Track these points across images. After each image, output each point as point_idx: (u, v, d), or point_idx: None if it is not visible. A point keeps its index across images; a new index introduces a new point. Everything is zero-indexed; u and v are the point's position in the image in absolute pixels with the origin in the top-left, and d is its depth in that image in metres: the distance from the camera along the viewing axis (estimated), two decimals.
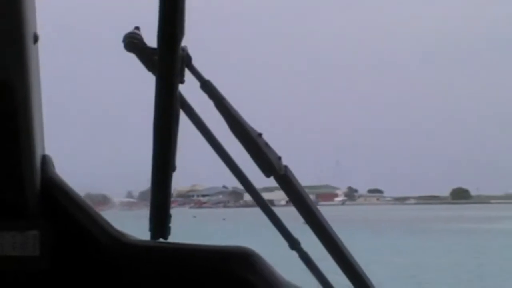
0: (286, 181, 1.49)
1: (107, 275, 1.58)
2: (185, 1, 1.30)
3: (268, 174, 1.47)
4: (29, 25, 1.42)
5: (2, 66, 1.42)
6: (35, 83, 1.50)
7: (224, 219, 57.90)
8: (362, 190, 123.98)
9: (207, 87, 1.47)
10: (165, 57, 1.35)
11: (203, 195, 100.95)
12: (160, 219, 1.54)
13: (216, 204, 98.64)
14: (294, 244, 1.61)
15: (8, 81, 1.42)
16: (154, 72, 1.42)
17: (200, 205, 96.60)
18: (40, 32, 1.48)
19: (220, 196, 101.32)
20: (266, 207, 1.59)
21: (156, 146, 1.44)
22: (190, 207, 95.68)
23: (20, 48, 1.40)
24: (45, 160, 1.64)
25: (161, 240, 1.61)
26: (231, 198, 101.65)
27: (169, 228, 1.55)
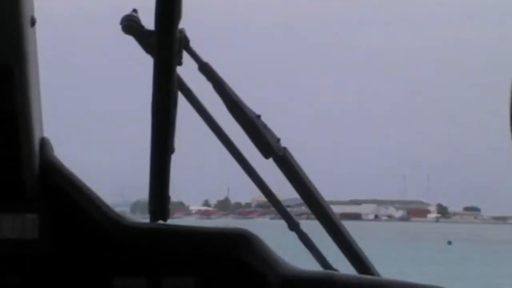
0: (285, 162, 1.56)
1: (107, 257, 1.64)
2: None
3: (267, 155, 1.54)
4: (26, 9, 1.47)
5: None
6: (33, 67, 1.56)
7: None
8: (453, 207, 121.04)
9: (205, 69, 1.53)
10: (163, 40, 1.41)
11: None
12: (159, 201, 1.59)
13: (299, 215, 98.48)
14: (293, 225, 1.70)
15: (6, 65, 1.48)
16: (152, 55, 1.48)
17: None
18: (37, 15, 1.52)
19: (303, 208, 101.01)
20: (267, 191, 1.66)
21: (154, 129, 1.50)
22: (271, 218, 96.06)
23: (18, 31, 1.45)
24: (44, 142, 1.69)
25: (161, 223, 1.68)
26: None
27: (169, 209, 1.60)
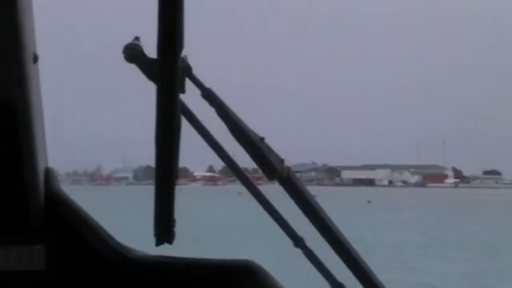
0: (289, 183, 1.62)
1: None
2: (184, 14, 1.42)
3: (271, 177, 1.60)
4: (29, 46, 1.59)
5: (4, 87, 1.61)
6: (37, 101, 1.69)
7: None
8: (471, 171, 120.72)
9: (208, 95, 1.60)
10: (165, 69, 1.49)
11: (294, 171, 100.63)
12: (165, 225, 1.66)
13: (310, 181, 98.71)
14: (298, 241, 1.69)
15: (10, 101, 1.61)
16: (155, 82, 1.54)
17: None
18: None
19: (313, 173, 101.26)
20: (268, 205, 1.70)
21: (159, 154, 1.57)
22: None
23: (21, 68, 1.58)
24: (49, 173, 1.80)
25: (165, 255, 1.78)
26: (326, 176, 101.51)
27: (174, 233, 1.67)
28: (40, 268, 1.74)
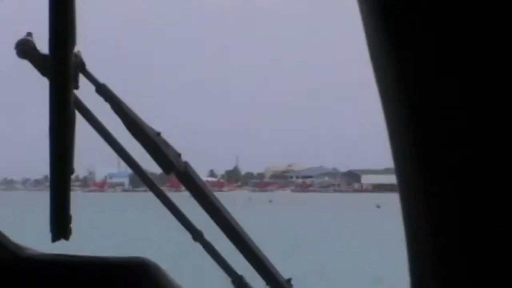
0: (186, 177, 1.76)
1: None
2: (76, 9, 1.55)
3: (168, 171, 1.74)
4: None
5: None
6: None
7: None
8: None
9: (102, 90, 1.75)
10: (57, 65, 1.61)
11: (304, 177, 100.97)
12: (61, 221, 1.76)
13: (325, 187, 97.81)
14: (197, 235, 1.86)
15: None
16: (48, 78, 1.66)
17: (305, 188, 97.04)
18: None
19: (326, 178, 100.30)
20: (166, 200, 1.86)
21: (53, 150, 1.69)
22: (293, 191, 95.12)
23: None
24: None
25: (61, 253, 1.93)
26: (343, 181, 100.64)
27: (70, 228, 1.78)
28: None
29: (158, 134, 1.74)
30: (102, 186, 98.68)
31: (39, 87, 1.74)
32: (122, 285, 1.89)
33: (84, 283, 1.90)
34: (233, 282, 1.89)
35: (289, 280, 1.88)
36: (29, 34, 1.74)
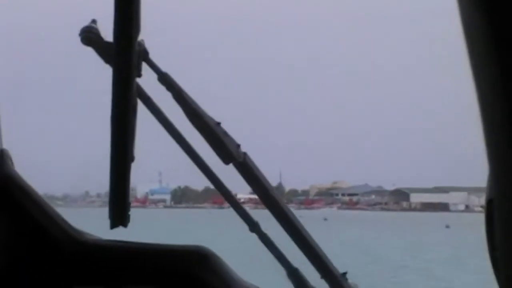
0: (245, 168, 1.84)
1: (64, 274, 1.86)
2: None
3: (227, 161, 1.81)
4: None
5: None
6: None
7: None
8: None
9: (165, 79, 1.82)
10: (121, 53, 1.67)
11: (350, 194, 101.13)
12: (120, 208, 1.81)
13: (372, 205, 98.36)
14: (253, 226, 1.90)
15: None
16: (111, 65, 1.72)
17: (352, 206, 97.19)
18: None
19: (373, 196, 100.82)
20: (224, 190, 1.90)
21: (114, 138, 1.74)
22: (339, 208, 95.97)
23: None
24: (3, 155, 1.91)
25: (117, 240, 1.94)
26: (391, 199, 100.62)
27: (129, 216, 1.82)
28: None
29: (218, 124, 1.80)
30: (144, 202, 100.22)
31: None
32: (181, 273, 1.88)
33: (141, 270, 1.90)
34: (288, 274, 1.92)
35: (344, 274, 1.91)
36: (94, 21, 1.79)
